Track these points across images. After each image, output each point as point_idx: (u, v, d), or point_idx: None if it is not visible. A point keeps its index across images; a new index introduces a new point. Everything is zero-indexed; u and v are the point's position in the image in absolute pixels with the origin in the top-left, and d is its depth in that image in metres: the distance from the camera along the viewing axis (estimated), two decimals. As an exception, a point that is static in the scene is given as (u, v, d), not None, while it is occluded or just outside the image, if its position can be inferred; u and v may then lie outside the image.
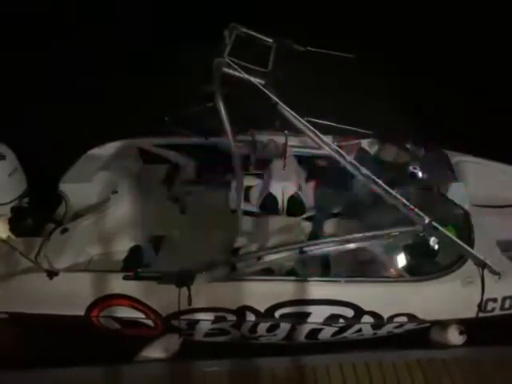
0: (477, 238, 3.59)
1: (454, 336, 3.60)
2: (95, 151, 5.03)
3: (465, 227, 3.69)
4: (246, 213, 4.69)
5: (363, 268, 3.69)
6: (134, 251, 4.03)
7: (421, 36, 8.87)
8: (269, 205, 4.63)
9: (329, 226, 4.56)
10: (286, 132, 4.41)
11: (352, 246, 3.24)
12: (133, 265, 3.75)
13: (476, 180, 4.60)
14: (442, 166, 4.40)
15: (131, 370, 3.45)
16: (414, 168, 4.34)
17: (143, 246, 4.20)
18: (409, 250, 3.59)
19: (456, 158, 4.73)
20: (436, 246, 3.51)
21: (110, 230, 4.20)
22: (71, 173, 4.65)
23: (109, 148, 5.07)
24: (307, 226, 4.54)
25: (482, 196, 4.51)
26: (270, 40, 3.72)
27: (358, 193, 4.57)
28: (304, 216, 4.68)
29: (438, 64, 7.89)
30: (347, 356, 3.52)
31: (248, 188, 5.01)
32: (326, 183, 4.51)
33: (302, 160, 4.90)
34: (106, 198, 4.48)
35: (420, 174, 4.31)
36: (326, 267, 3.90)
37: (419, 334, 3.77)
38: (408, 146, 4.46)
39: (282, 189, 4.61)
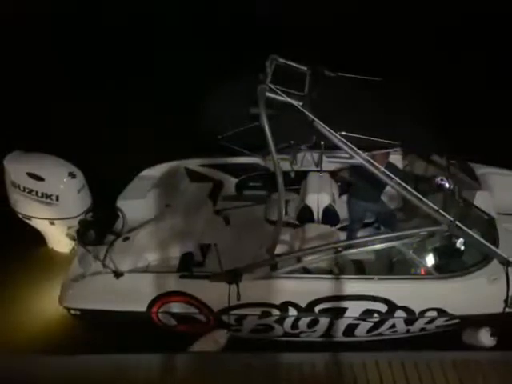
0: (501, 240, 3.87)
1: (486, 337, 3.84)
2: (147, 172, 5.64)
3: (489, 230, 3.97)
4: (285, 224, 5.13)
5: (395, 268, 4.02)
6: (187, 256, 4.51)
7: (439, 54, 9.37)
8: (305, 216, 5.06)
9: (362, 235, 4.90)
10: (323, 143, 4.84)
11: (383, 245, 3.59)
12: (187, 267, 4.23)
13: (501, 190, 4.87)
14: (467, 177, 4.69)
15: (184, 359, 3.79)
16: (442, 179, 4.66)
17: (194, 253, 4.68)
18: (437, 251, 3.91)
19: (481, 169, 5.03)
20: (462, 247, 3.82)
21: (164, 239, 4.71)
22: (127, 191, 5.24)
23: (159, 169, 5.68)
24: (342, 236, 4.91)
25: (507, 205, 4.77)
26: (305, 68, 4.24)
27: (388, 203, 4.94)
28: (338, 226, 5.08)
29: (461, 78, 8.32)
30: (383, 354, 3.66)
31: (286, 201, 5.48)
32: (357, 195, 4.87)
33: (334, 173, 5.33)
34: (161, 211, 5.03)
35: (447, 185, 4.63)
36: (360, 269, 4.27)
37: (452, 337, 4.03)
38: (434, 158, 4.81)
39: (317, 200, 5.05)
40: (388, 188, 5.17)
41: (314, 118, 3.40)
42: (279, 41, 7.81)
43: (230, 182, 5.84)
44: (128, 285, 4.02)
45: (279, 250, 4.11)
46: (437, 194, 4.38)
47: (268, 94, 3.47)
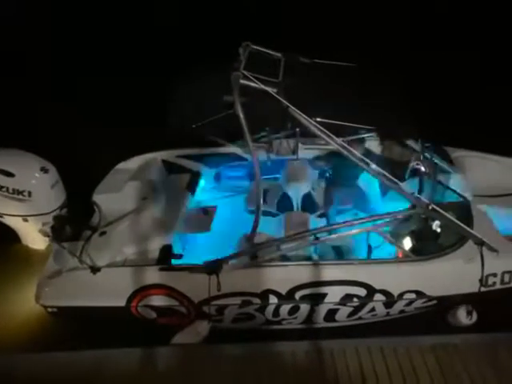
0: (476, 221, 3.94)
1: (463, 316, 3.92)
2: (123, 165, 5.52)
3: (464, 212, 4.04)
4: (265, 213, 5.12)
5: (374, 252, 4.06)
6: (166, 249, 4.45)
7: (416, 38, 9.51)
8: (285, 204, 5.06)
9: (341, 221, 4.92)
10: (298, 130, 4.82)
11: (361, 230, 3.62)
12: (165, 259, 4.19)
13: (476, 172, 4.94)
14: (442, 160, 4.75)
15: (165, 352, 3.78)
16: (417, 164, 4.72)
17: (172, 245, 4.62)
18: (414, 234, 3.96)
19: (456, 153, 5.10)
20: (438, 229, 3.88)
21: (142, 232, 4.64)
22: (103, 185, 5.13)
23: (135, 161, 5.57)
24: (321, 222, 4.93)
25: (482, 187, 4.86)
26: (279, 54, 4.21)
27: (366, 188, 4.98)
28: (318, 213, 5.09)
29: (433, 64, 8.42)
30: (363, 341, 3.73)
31: (265, 191, 5.46)
32: (335, 181, 4.89)
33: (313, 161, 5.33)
34: (138, 204, 4.94)
35: (423, 169, 4.70)
36: (340, 254, 4.30)
37: (431, 318, 4.10)
38: (410, 142, 4.85)
39: (296, 188, 5.05)
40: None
41: (288, 104, 3.37)
42: (254, 28, 7.73)
43: (209, 173, 5.77)
44: (106, 280, 3.95)
45: (259, 239, 4.12)
46: (413, 178, 4.44)
47: (242, 82, 3.43)
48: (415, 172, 4.64)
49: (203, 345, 3.82)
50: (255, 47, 4.15)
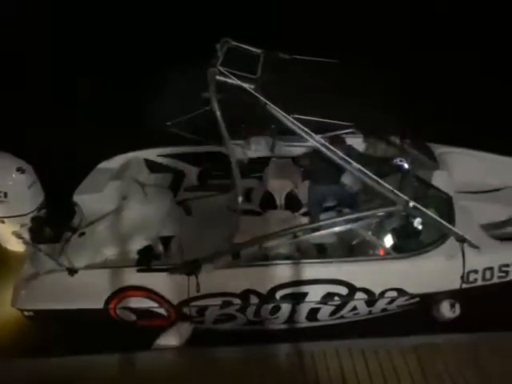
0: (458, 218, 3.91)
1: (447, 310, 3.89)
2: (105, 164, 5.43)
3: (446, 209, 4.00)
4: (248, 212, 5.06)
5: (356, 250, 4.02)
6: (146, 249, 4.38)
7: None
8: (268, 202, 5.00)
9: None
10: (273, 126, 4.75)
11: (341, 228, 3.57)
12: (145, 260, 4.11)
13: (459, 168, 4.92)
14: (425, 157, 4.72)
15: (145, 357, 3.72)
16: (400, 160, 4.69)
17: (154, 246, 4.55)
18: (396, 231, 3.92)
19: (439, 149, 5.07)
20: (419, 226, 3.85)
21: (122, 233, 4.56)
22: (84, 185, 5.04)
23: (117, 161, 5.48)
24: (304, 221, 4.88)
25: (465, 183, 4.84)
26: (259, 51, 4.14)
27: (350, 185, 4.93)
28: (301, 211, 5.04)
29: (415, 63, 8.43)
30: (344, 342, 3.70)
31: (249, 190, 5.40)
32: (317, 179, 4.83)
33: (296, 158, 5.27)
34: (118, 205, 4.86)
35: (406, 166, 4.66)
36: (322, 252, 4.26)
37: (414, 316, 4.06)
38: (393, 139, 4.82)
39: (279, 187, 4.99)
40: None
41: (265, 101, 3.31)
42: (232, 25, 7.66)
43: (192, 172, 5.69)
44: (83, 282, 3.87)
45: (240, 238, 4.06)
46: (396, 175, 4.40)
47: (218, 78, 3.37)
48: (398, 169, 4.62)
49: (181, 349, 3.74)
50: (234, 43, 4.10)
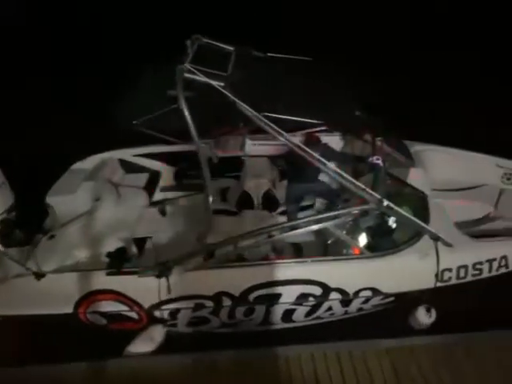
0: (432, 216, 3.89)
1: (423, 315, 3.86)
2: (78, 165, 5.30)
3: (421, 207, 3.98)
4: (224, 212, 4.99)
5: (330, 249, 3.98)
6: (119, 252, 4.28)
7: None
8: (244, 202, 4.93)
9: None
10: (242, 125, 4.66)
11: (314, 227, 3.52)
12: (117, 263, 4.01)
13: (435, 166, 4.92)
14: (401, 155, 4.70)
15: (115, 365, 3.64)
16: (377, 158, 4.66)
17: (127, 248, 4.45)
18: (370, 230, 3.89)
19: (415, 147, 5.06)
20: (394, 225, 3.82)
21: (94, 235, 4.45)
22: (57, 186, 4.90)
23: (91, 161, 5.35)
24: (282, 220, 4.82)
25: (441, 180, 4.84)
26: (231, 48, 4.07)
27: (327, 183, 4.89)
28: (279, 211, 4.99)
29: (389, 62, 8.48)
30: (318, 346, 3.66)
31: (226, 189, 5.33)
32: (295, 177, 4.78)
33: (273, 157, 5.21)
34: (91, 206, 4.74)
35: (381, 164, 4.64)
36: (298, 251, 4.21)
37: (389, 316, 4.03)
38: (370, 137, 4.79)
39: (256, 186, 4.92)
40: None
41: (235, 99, 3.24)
42: (204, 21, 7.58)
43: (169, 172, 5.59)
44: (51, 286, 3.75)
45: (214, 239, 3.98)
46: (372, 173, 4.37)
47: (187, 75, 3.29)
48: (374, 167, 4.59)
49: (152, 356, 3.67)
50: (205, 40, 4.02)
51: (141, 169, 5.56)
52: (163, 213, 4.97)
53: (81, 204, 4.79)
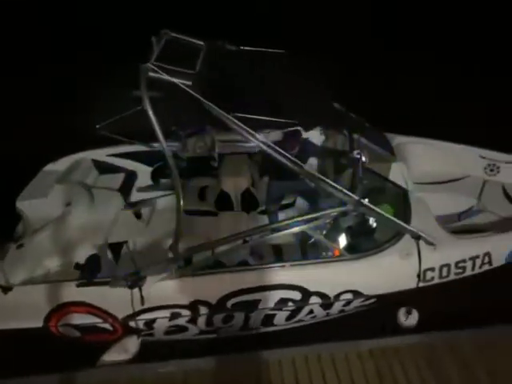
0: (414, 213, 3.78)
1: (404, 317, 3.78)
2: (51, 167, 5.09)
3: (402, 203, 3.87)
4: (203, 213, 4.83)
5: (310, 251, 3.85)
6: (91, 260, 4.11)
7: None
8: (223, 202, 4.78)
9: (284, 216, 4.68)
10: (208, 126, 4.47)
11: (293, 230, 3.38)
12: (90, 273, 3.85)
13: (418, 159, 4.81)
14: (382, 149, 4.57)
15: (88, 376, 3.50)
16: (358, 153, 4.52)
17: (101, 254, 4.28)
18: (351, 230, 3.77)
19: (397, 139, 4.93)
20: (374, 225, 3.70)
21: (65, 242, 4.27)
22: (28, 190, 4.70)
23: (64, 162, 5.14)
24: (262, 220, 4.69)
25: (424, 173, 4.73)
26: (201, 43, 3.86)
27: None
28: (259, 210, 4.84)
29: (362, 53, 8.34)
30: (300, 349, 3.55)
31: (204, 188, 5.16)
32: (275, 174, 4.64)
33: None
34: (62, 211, 4.55)
35: (363, 159, 4.50)
36: (278, 253, 4.08)
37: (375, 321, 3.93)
38: (349, 131, 4.64)
39: (234, 185, 4.76)
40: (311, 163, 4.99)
41: (202, 99, 3.06)
42: (175, 16, 7.31)
43: (145, 172, 5.40)
44: (19, 299, 3.57)
45: (192, 242, 3.83)
46: (352, 170, 4.24)
47: (151, 74, 3.10)
48: (356, 162, 4.46)
49: (125, 365, 3.54)
50: (174, 35, 3.81)
51: (116, 169, 5.36)
52: (139, 215, 4.79)
53: (53, 208, 4.59)
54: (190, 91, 3.03)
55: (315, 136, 5.05)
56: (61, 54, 9.09)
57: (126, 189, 5.11)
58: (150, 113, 3.09)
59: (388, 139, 4.76)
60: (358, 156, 4.37)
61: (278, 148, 3.13)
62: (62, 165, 5.11)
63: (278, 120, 3.31)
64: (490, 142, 4.79)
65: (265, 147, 3.12)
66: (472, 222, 4.44)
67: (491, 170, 4.78)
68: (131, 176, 5.29)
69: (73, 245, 4.28)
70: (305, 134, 4.89)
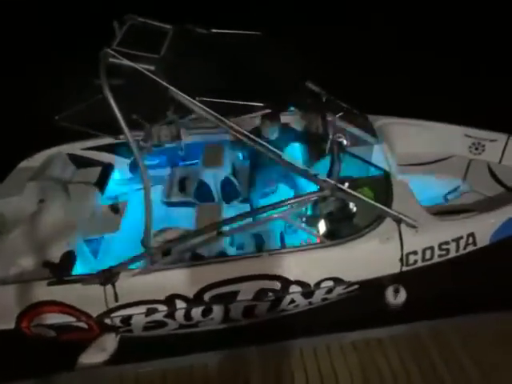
0: (395, 196, 3.66)
1: (392, 296, 3.68)
2: (26, 163, 4.95)
3: (383, 186, 3.75)
4: (182, 204, 4.70)
5: (287, 240, 3.74)
6: (65, 257, 3.97)
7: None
8: (202, 192, 4.65)
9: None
10: (171, 111, 4.31)
11: (270, 218, 3.26)
12: (64, 270, 3.72)
13: (402, 140, 4.69)
14: (364, 131, 4.44)
15: (66, 379, 3.39)
16: (339, 137, 4.39)
17: (78, 251, 4.15)
18: (330, 216, 3.65)
19: (380, 120, 4.80)
20: (354, 209, 3.59)
21: (40, 239, 4.11)
22: (3, 187, 4.56)
23: (39, 158, 4.99)
24: (245, 208, 4.56)
25: (409, 154, 4.62)
26: (169, 27, 3.69)
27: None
28: (240, 199, 4.72)
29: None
30: (280, 344, 3.44)
31: (184, 179, 5.02)
32: (257, 161, 4.51)
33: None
34: (37, 208, 4.40)
35: (345, 142, 4.37)
36: (259, 242, 3.97)
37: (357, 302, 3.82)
38: (330, 114, 4.51)
39: (213, 174, 4.63)
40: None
41: (167, 84, 2.91)
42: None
43: (123, 163, 5.23)
44: None
45: (170, 235, 3.70)
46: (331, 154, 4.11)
47: (112, 60, 2.93)
48: (338, 145, 4.33)
49: (106, 367, 3.43)
50: (140, 20, 3.64)
51: (93, 163, 5.20)
52: (116, 210, 4.65)
53: (28, 206, 4.44)
54: (153, 76, 2.87)
55: (296, 121, 4.91)
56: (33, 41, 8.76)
57: (102, 182, 4.96)
58: (111, 101, 2.94)
59: (370, 121, 4.62)
60: (339, 139, 4.27)
61: (248, 133, 2.99)
62: (36, 161, 4.96)
63: (245, 103, 3.15)
64: (473, 120, 4.67)
65: (234, 132, 2.98)
66: (458, 203, 4.32)
67: (476, 149, 4.67)
68: (108, 169, 5.13)
69: (47, 242, 4.13)
70: (285, 120, 4.75)
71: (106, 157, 5.18)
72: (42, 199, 4.40)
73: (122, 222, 4.54)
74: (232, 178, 4.65)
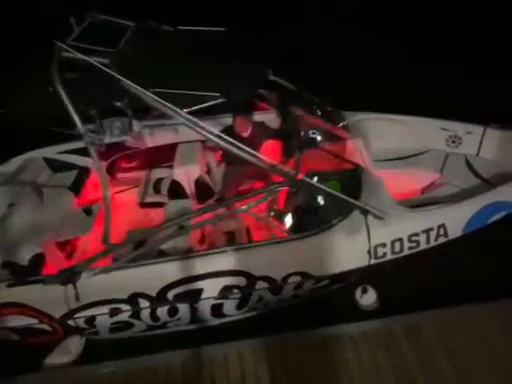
0: (364, 189, 3.58)
1: (361, 296, 3.59)
2: (1, 169, 4.90)
3: (352, 181, 3.67)
4: (157, 204, 4.64)
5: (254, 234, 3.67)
6: (35, 260, 3.90)
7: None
8: (176, 192, 4.59)
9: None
10: (119, 104, 4.25)
11: (236, 212, 3.20)
12: (33, 273, 3.64)
13: (378, 136, 4.61)
14: (338, 127, 4.39)
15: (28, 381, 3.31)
16: (313, 133, 4.35)
17: (47, 253, 4.07)
18: (299, 209, 3.57)
19: (356, 117, 4.73)
20: (321, 203, 3.51)
21: (8, 243, 4.06)
22: None
23: (14, 163, 4.95)
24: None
25: (383, 150, 4.54)
26: (130, 23, 3.68)
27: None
28: (215, 198, 4.65)
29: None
30: (248, 342, 3.37)
31: (159, 180, 4.97)
32: (232, 161, 4.45)
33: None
34: (6, 212, 4.34)
35: (319, 138, 4.33)
36: (230, 238, 3.90)
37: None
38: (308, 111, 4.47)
39: (186, 174, 4.57)
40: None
41: (119, 77, 2.87)
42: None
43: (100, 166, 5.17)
44: None
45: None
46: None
47: (65, 54, 2.92)
48: (312, 141, 4.28)
49: (68, 368, 3.38)
50: (102, 17, 3.63)
51: (70, 166, 5.16)
52: (89, 212, 4.59)
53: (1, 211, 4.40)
54: (104, 68, 2.84)
55: (271, 118, 4.86)
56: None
57: (78, 185, 4.91)
58: (63, 95, 2.90)
59: (343, 116, 4.55)
60: (312, 135, 4.22)
61: (205, 126, 2.94)
62: (12, 166, 4.92)
63: (199, 93, 3.08)
64: (449, 113, 4.60)
65: (190, 124, 2.92)
66: (433, 196, 4.23)
67: (453, 142, 4.59)
68: (84, 172, 5.08)
69: (16, 246, 4.06)
70: (259, 117, 4.70)
71: (82, 160, 5.13)
72: (12, 203, 4.35)
73: (95, 223, 4.47)
74: (205, 178, 4.59)
